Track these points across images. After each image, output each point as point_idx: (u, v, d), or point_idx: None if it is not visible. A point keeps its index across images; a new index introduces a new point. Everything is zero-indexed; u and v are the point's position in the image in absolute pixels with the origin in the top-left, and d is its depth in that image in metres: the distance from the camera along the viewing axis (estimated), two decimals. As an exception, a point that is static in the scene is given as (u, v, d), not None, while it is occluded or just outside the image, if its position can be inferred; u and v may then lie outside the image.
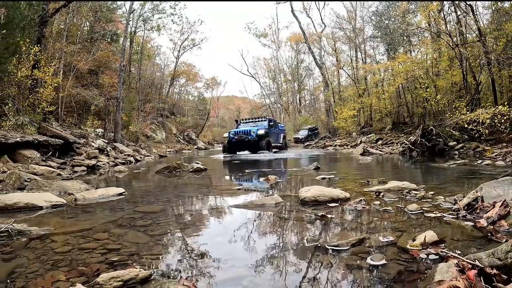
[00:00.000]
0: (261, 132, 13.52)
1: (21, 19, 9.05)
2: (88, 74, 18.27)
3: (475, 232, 1.77)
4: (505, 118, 9.11)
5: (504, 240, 1.53)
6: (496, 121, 9.29)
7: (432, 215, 2.19)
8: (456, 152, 9.39)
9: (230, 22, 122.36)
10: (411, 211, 2.32)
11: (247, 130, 13.79)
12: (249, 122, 16.44)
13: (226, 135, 15.31)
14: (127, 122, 18.72)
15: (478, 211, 2.09)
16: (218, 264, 1.50)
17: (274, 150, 15.67)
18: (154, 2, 25.53)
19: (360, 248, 1.61)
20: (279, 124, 18.45)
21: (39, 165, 6.67)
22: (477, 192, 2.29)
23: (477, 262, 1.18)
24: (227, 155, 13.07)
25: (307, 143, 25.57)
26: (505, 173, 3.24)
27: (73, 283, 1.26)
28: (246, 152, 13.65)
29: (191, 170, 6.32)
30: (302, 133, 29.43)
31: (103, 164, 8.38)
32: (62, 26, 15.70)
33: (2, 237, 1.91)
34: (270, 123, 15.58)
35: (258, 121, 16.08)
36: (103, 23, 19.93)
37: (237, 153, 14.03)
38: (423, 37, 18.54)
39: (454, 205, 2.37)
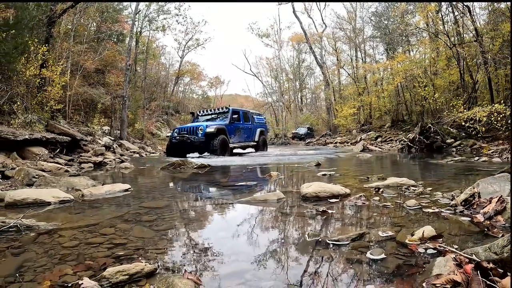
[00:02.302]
0: (211, 130, 10.11)
1: (30, 20, 9.29)
2: (95, 73, 18.36)
3: (472, 227, 1.80)
4: (501, 116, 9.19)
5: (500, 235, 1.56)
6: (492, 119, 9.37)
7: (430, 210, 2.22)
8: (454, 149, 9.45)
9: (233, 22, 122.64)
10: (410, 206, 2.35)
11: (192, 128, 10.48)
12: (208, 115, 12.37)
13: (170, 134, 11.69)
14: (132, 120, 18.87)
15: (475, 206, 2.12)
16: (222, 258, 1.52)
17: (246, 150, 12.94)
18: (159, 3, 25.57)
19: (360, 242, 1.64)
20: (255, 116, 14.17)
21: (47, 162, 6.75)
22: (474, 188, 2.32)
23: (474, 257, 1.20)
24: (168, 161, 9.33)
25: (308, 141, 25.63)
26: (501, 169, 3.27)
27: (80, 277, 1.28)
28: (196, 154, 11.01)
29: (195, 166, 6.37)
30: (302, 130, 29.64)
31: (110, 161, 8.50)
32: (70, 26, 15.78)
33: (11, 232, 1.93)
34: (234, 116, 11.69)
35: (220, 113, 12.02)
36: (109, 23, 20.05)
37: (187, 155, 10.94)
38: (422, 37, 18.63)
39: (452, 201, 2.40)
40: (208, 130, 10.15)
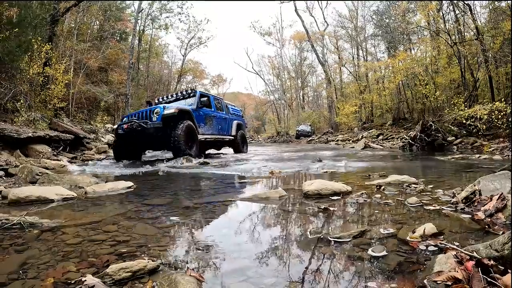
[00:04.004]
0: (170, 111, 7.01)
1: (33, 18, 9.32)
2: (98, 72, 18.49)
3: (473, 224, 1.81)
4: (502, 114, 9.23)
5: (501, 232, 1.56)
6: (493, 117, 9.41)
7: (431, 208, 2.22)
8: (455, 147, 9.46)
9: (235, 20, 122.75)
10: (411, 204, 2.35)
11: (145, 112, 7.35)
12: (169, 102, 8.98)
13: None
14: (135, 118, 18.87)
15: (476, 204, 2.12)
16: (224, 256, 1.53)
17: (221, 150, 10.47)
18: (162, 2, 25.76)
19: (361, 239, 1.65)
20: (231, 107, 11.15)
21: (50, 159, 6.78)
22: (475, 185, 2.32)
23: (475, 254, 1.21)
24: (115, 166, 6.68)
25: (309, 139, 25.64)
26: (502, 167, 3.27)
27: (83, 274, 1.28)
28: (157, 153, 8.52)
29: (198, 163, 6.37)
30: (305, 128, 29.45)
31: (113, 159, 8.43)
32: (73, 25, 15.93)
33: (15, 229, 1.94)
34: (202, 100, 8.63)
35: (184, 97, 8.97)
36: (112, 22, 20.21)
37: (144, 154, 8.61)
38: (423, 36, 18.64)
39: (453, 198, 2.40)
40: (166, 111, 6.98)
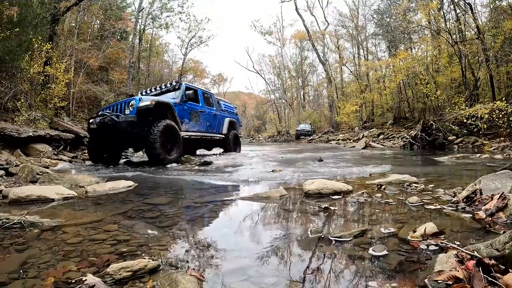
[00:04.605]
0: (146, 104, 6.09)
1: (34, 17, 9.28)
2: (99, 71, 18.48)
3: (473, 223, 1.81)
4: (502, 113, 9.23)
5: (502, 232, 1.56)
6: (494, 116, 9.41)
7: (432, 207, 2.22)
8: (456, 146, 9.46)
9: (236, 20, 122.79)
10: (412, 203, 2.35)
11: (120, 104, 6.43)
12: (155, 94, 8.00)
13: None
14: (136, 117, 18.90)
15: (476, 203, 2.12)
16: (225, 255, 1.53)
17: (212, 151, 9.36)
18: (163, 1, 25.65)
19: (362, 239, 1.65)
20: (223, 103, 10.13)
21: (51, 158, 6.76)
22: (475, 185, 2.32)
23: (475, 253, 1.20)
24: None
25: (310, 138, 25.61)
26: (503, 166, 3.27)
27: (84, 273, 1.28)
28: (137, 155, 7.47)
29: (199, 163, 6.35)
30: (305, 126, 29.03)
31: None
32: (73, 24, 15.88)
33: (15, 229, 1.94)
34: (188, 93, 7.52)
35: (168, 90, 8.06)
36: (113, 21, 20.16)
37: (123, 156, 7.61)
38: (423, 35, 18.62)
39: (454, 197, 2.40)
40: (142, 104, 6.01)
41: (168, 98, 7.30)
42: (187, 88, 7.83)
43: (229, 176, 4.46)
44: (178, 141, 6.59)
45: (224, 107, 10.02)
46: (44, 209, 2.54)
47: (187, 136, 7.21)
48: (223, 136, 9.15)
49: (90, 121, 6.46)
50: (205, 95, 8.92)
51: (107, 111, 6.42)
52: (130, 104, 6.13)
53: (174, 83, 8.09)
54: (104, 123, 6.00)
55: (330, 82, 28.83)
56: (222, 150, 9.48)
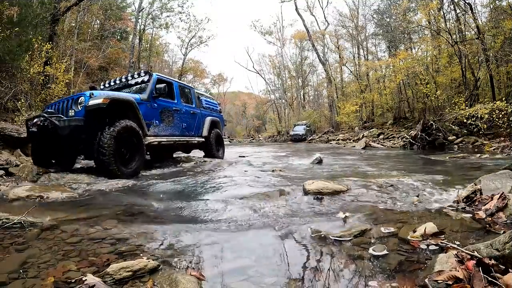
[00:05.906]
0: (96, 102, 4.32)
1: (34, 17, 9.29)
2: (99, 71, 18.49)
3: (473, 223, 1.81)
4: (502, 113, 9.23)
5: (502, 232, 1.56)
6: (494, 116, 9.41)
7: (432, 207, 2.22)
8: (456, 146, 9.44)
9: (236, 20, 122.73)
10: (412, 203, 2.35)
11: (66, 101, 4.62)
12: (117, 89, 6.23)
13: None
14: (136, 116, 18.98)
15: (476, 203, 2.12)
16: (224, 254, 1.53)
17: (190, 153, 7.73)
18: (163, 1, 25.70)
19: (362, 239, 1.65)
20: (204, 99, 8.20)
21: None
22: (475, 185, 2.32)
23: (475, 253, 1.21)
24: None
25: (310, 138, 25.52)
26: (503, 166, 3.27)
27: (84, 273, 1.28)
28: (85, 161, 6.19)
29: (199, 161, 6.35)
30: (299, 129, 27.57)
31: (114, 157, 8.38)
32: (73, 24, 15.92)
33: (15, 229, 1.94)
34: (159, 87, 5.66)
35: (136, 83, 6.20)
36: (113, 21, 20.18)
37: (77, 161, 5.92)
38: (423, 35, 18.61)
39: (454, 197, 2.40)
40: (92, 102, 4.37)
41: (134, 93, 5.68)
42: (159, 81, 6.11)
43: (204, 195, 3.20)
44: (140, 149, 5.00)
45: (206, 103, 8.20)
46: (44, 208, 2.53)
47: (156, 143, 5.59)
48: (204, 139, 7.41)
49: (27, 121, 4.90)
50: (183, 89, 7.16)
51: (49, 110, 4.86)
52: (79, 102, 4.47)
53: (142, 74, 6.26)
54: (43, 127, 4.46)
55: (330, 82, 28.80)
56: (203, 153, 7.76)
